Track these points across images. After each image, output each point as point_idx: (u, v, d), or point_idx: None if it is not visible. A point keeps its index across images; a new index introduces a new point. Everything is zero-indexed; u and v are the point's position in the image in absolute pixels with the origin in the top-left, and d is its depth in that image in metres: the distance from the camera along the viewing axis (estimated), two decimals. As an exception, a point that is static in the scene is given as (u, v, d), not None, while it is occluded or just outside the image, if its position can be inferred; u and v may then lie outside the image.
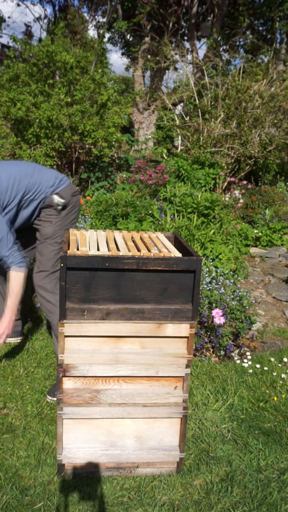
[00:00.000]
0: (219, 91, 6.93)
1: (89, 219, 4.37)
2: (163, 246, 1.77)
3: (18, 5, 13.51)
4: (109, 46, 14.20)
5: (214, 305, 2.77)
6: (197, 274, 1.61)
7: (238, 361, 2.67)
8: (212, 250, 3.79)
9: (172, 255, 1.65)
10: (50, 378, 2.42)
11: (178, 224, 4.07)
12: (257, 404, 2.27)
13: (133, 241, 1.82)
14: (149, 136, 10.29)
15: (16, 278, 2.03)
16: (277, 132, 6.63)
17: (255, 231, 5.05)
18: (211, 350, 2.75)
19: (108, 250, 1.68)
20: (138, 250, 1.69)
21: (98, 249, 1.68)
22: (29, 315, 3.07)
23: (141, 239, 1.87)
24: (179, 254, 1.69)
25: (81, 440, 1.75)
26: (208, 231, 4.01)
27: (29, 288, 2.40)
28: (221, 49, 11.83)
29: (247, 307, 2.87)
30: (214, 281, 3.05)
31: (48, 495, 1.67)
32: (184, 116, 7.94)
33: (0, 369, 2.47)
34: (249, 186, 6.08)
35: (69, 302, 1.61)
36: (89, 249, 1.68)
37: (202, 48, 31.65)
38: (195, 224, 4.14)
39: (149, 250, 1.70)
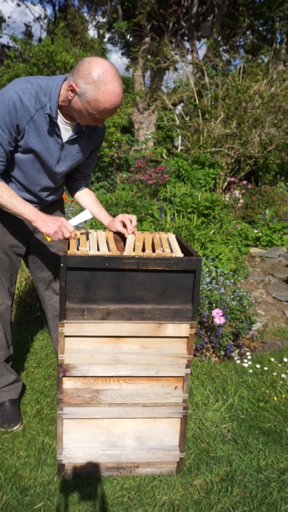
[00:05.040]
0: (219, 91, 6.93)
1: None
2: (167, 247, 1.77)
3: (18, 5, 13.54)
4: (109, 46, 14.23)
5: (214, 305, 2.77)
6: (197, 274, 1.61)
7: (238, 361, 2.67)
8: (212, 250, 3.79)
9: (174, 256, 1.65)
10: (50, 378, 2.42)
11: (178, 224, 4.07)
12: (257, 404, 2.27)
13: (143, 242, 1.81)
14: (149, 136, 10.30)
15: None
16: (277, 132, 6.63)
17: (255, 231, 5.05)
18: (211, 350, 2.75)
19: (109, 250, 1.68)
20: (143, 250, 1.70)
21: (98, 249, 1.69)
22: (29, 316, 3.07)
23: (153, 239, 1.87)
24: (181, 255, 1.69)
25: (81, 440, 1.75)
26: (208, 231, 4.01)
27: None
28: (221, 49, 11.84)
29: (247, 307, 2.87)
30: (214, 281, 3.05)
31: (48, 495, 1.67)
32: (184, 116, 7.94)
33: None
34: (249, 186, 6.08)
35: (69, 302, 1.61)
36: (89, 249, 1.68)
37: (202, 48, 31.67)
38: (195, 224, 4.14)
39: (153, 251, 1.70)
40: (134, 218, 1.89)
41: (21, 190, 1.84)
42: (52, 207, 2.02)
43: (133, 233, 1.87)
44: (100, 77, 1.52)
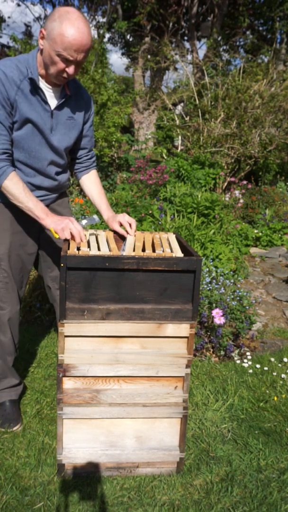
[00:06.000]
0: (219, 91, 6.93)
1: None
2: (167, 247, 1.77)
3: (18, 5, 13.51)
4: (109, 46, 14.19)
5: (214, 305, 2.77)
6: (197, 274, 1.61)
7: (238, 361, 2.67)
8: (212, 250, 3.79)
9: (174, 256, 1.65)
10: (50, 378, 2.42)
11: (178, 224, 4.07)
12: (257, 404, 2.27)
13: (143, 242, 1.81)
14: (149, 136, 10.30)
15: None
16: (277, 132, 6.63)
17: (255, 231, 5.05)
18: (211, 350, 2.75)
19: (109, 250, 1.68)
20: (143, 250, 1.70)
21: (98, 249, 1.69)
22: (29, 316, 3.07)
23: (153, 239, 1.87)
24: (181, 255, 1.69)
25: (81, 440, 1.75)
26: (208, 231, 4.01)
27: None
28: (221, 49, 11.83)
29: (247, 307, 2.87)
30: (214, 281, 3.05)
31: (48, 495, 1.67)
32: (184, 116, 7.94)
33: None
34: (249, 186, 6.08)
35: (69, 302, 1.61)
36: (90, 249, 1.68)
37: (202, 48, 31.65)
38: (195, 224, 4.14)
39: (153, 251, 1.70)
40: (133, 221, 1.90)
41: (29, 176, 1.85)
42: (63, 197, 2.08)
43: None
44: (65, 15, 1.60)
